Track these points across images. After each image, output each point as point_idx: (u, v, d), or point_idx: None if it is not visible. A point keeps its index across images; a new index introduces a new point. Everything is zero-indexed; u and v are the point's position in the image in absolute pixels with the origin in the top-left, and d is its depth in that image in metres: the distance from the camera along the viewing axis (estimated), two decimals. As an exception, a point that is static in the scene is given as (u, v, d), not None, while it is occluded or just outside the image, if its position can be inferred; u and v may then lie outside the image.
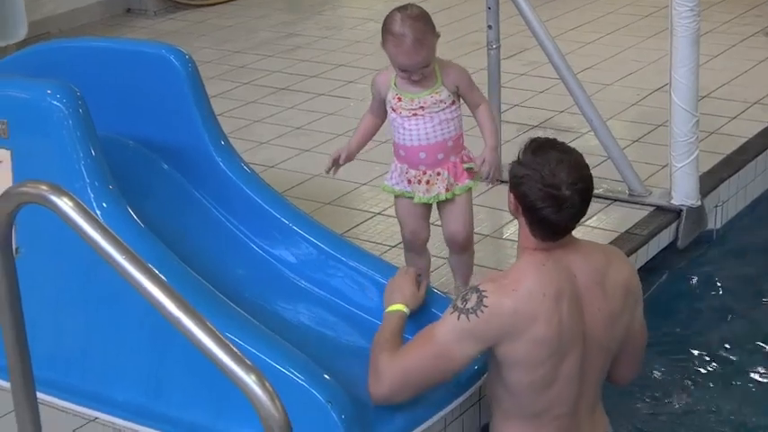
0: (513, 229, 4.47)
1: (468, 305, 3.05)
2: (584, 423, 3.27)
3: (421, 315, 3.44)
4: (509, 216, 3.87)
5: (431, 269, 4.01)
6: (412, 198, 3.71)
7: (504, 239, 4.44)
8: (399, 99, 3.67)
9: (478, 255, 4.16)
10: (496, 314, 3.02)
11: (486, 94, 4.75)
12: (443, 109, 3.67)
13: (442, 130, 3.66)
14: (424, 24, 3.58)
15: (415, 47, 3.53)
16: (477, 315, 3.02)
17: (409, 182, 3.69)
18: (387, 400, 3.21)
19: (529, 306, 3.04)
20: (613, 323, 3.23)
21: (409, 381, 3.16)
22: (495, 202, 4.66)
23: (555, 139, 3.29)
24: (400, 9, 3.66)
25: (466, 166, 3.70)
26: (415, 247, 3.84)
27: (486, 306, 3.02)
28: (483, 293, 3.05)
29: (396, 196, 3.79)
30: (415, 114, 3.65)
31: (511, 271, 3.20)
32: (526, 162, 3.12)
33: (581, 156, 3.19)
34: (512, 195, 3.16)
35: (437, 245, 4.03)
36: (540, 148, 3.15)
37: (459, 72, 3.74)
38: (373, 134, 3.90)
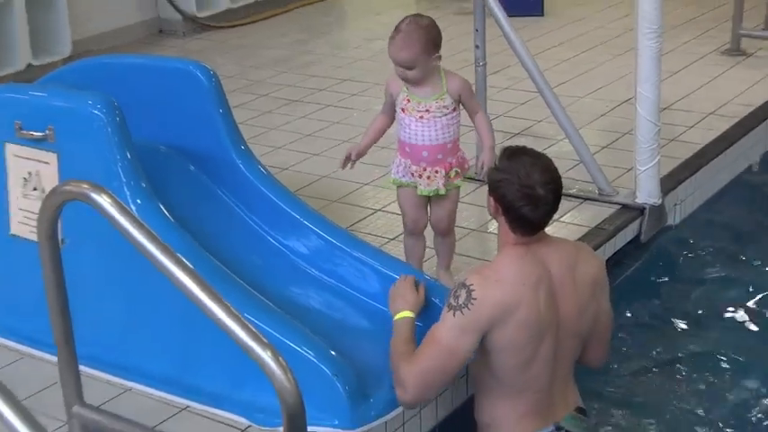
0: (495, 224, 4.51)
1: (460, 300, 3.06)
2: (557, 397, 3.30)
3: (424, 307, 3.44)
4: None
5: (425, 258, 4.04)
6: (415, 188, 3.78)
7: (489, 233, 4.43)
8: (408, 101, 3.77)
9: (466, 246, 4.26)
10: (485, 304, 3.05)
11: (475, 105, 5.00)
12: (446, 114, 3.76)
13: (443, 133, 3.76)
14: (419, 30, 3.69)
15: (402, 43, 3.67)
16: (468, 308, 3.05)
17: (412, 175, 3.78)
18: (414, 403, 3.23)
19: (512, 294, 3.08)
20: (583, 311, 3.28)
21: (428, 382, 3.14)
22: (482, 200, 4.66)
23: (525, 147, 3.32)
24: (416, 15, 3.85)
25: (454, 171, 3.79)
26: (415, 232, 3.94)
27: (474, 299, 3.04)
28: (470, 288, 3.07)
29: (399, 187, 3.85)
30: (421, 117, 3.74)
31: (493, 263, 3.24)
32: (503, 168, 3.17)
33: (550, 159, 3.23)
34: (492, 198, 3.19)
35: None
36: (514, 155, 3.20)
37: (462, 83, 3.85)
38: (383, 132, 4.00)
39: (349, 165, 4.03)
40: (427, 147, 3.76)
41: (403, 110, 3.80)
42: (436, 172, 3.77)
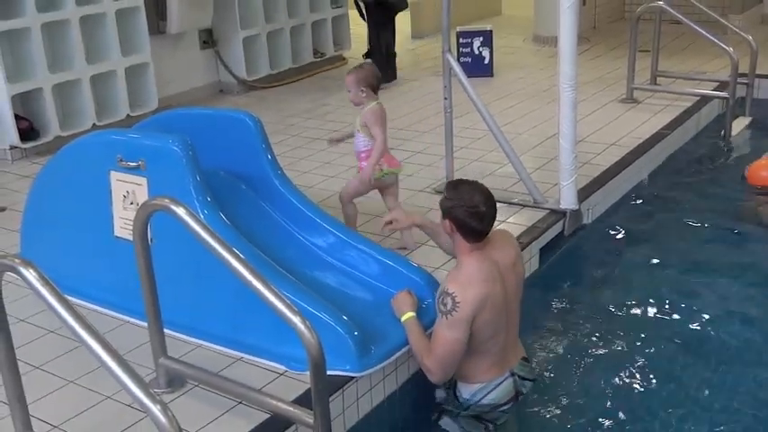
0: None
1: (448, 307, 3.03)
2: (510, 352, 3.30)
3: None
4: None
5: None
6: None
7: None
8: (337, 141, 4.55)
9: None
10: (467, 303, 3.02)
11: (443, 142, 4.95)
12: (358, 131, 4.10)
13: (357, 144, 4.13)
14: (354, 71, 4.09)
15: (347, 77, 4.11)
16: (456, 310, 3.02)
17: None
18: (443, 380, 3.21)
19: (483, 290, 3.05)
20: (520, 284, 3.29)
21: (445, 365, 3.11)
22: None
23: (461, 178, 3.29)
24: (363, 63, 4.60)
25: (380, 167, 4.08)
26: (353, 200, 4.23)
27: (458, 302, 3.01)
28: (453, 295, 3.02)
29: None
30: (357, 131, 4.13)
31: (462, 270, 3.12)
32: (451, 196, 3.12)
33: (482, 184, 3.18)
34: (447, 221, 3.12)
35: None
36: (457, 186, 3.18)
37: (368, 113, 4.08)
38: None
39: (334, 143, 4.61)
40: (355, 151, 4.18)
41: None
42: (359, 170, 4.14)
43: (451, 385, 3.35)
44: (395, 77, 7.80)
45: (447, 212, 3.13)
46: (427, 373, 3.16)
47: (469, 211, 3.07)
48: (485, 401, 3.26)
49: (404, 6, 7.81)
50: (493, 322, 3.12)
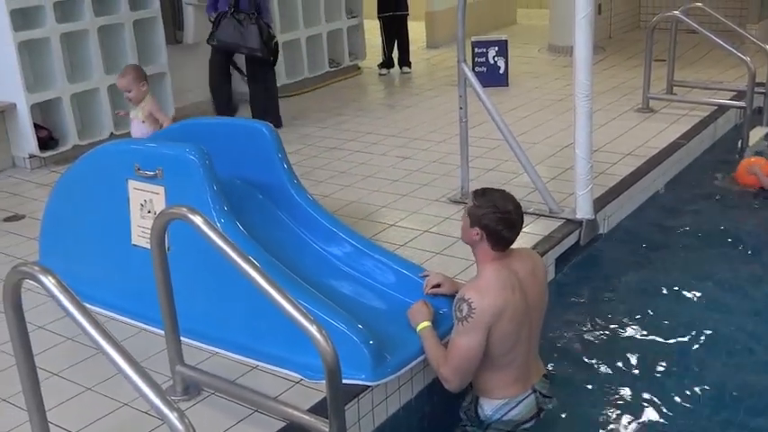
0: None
1: (464, 313, 2.98)
2: (532, 367, 3.26)
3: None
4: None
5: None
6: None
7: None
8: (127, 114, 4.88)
9: (455, 250, 4.22)
10: (483, 311, 2.97)
11: (458, 152, 4.95)
12: (143, 122, 4.68)
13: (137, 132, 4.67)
14: (126, 74, 4.68)
15: (122, 81, 4.69)
16: (472, 317, 2.97)
17: None
18: (459, 388, 3.13)
19: (499, 298, 3.00)
20: (543, 299, 3.23)
21: (461, 373, 3.06)
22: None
23: (487, 187, 3.22)
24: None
25: None
26: None
27: (474, 309, 2.97)
28: (470, 301, 2.97)
29: None
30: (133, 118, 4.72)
31: (481, 278, 3.08)
32: (481, 203, 3.07)
33: (509, 192, 3.16)
34: (475, 229, 3.06)
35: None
36: (485, 193, 3.13)
37: (151, 103, 4.72)
38: None
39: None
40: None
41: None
42: None
43: (472, 403, 3.28)
44: (279, 125, 6.70)
45: (478, 220, 3.07)
46: (444, 382, 3.12)
47: (501, 218, 3.04)
48: (507, 418, 3.20)
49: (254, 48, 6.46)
50: (513, 333, 3.06)
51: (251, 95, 6.74)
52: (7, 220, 5.11)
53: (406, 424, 3.34)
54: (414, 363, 3.26)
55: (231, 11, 6.32)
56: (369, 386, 3.13)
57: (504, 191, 3.18)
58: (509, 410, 3.19)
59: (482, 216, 3.06)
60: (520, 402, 3.20)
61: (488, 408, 3.22)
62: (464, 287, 3.11)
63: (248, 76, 6.71)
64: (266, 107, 6.67)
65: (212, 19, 6.47)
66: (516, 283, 3.09)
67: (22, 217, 5.14)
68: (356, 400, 3.09)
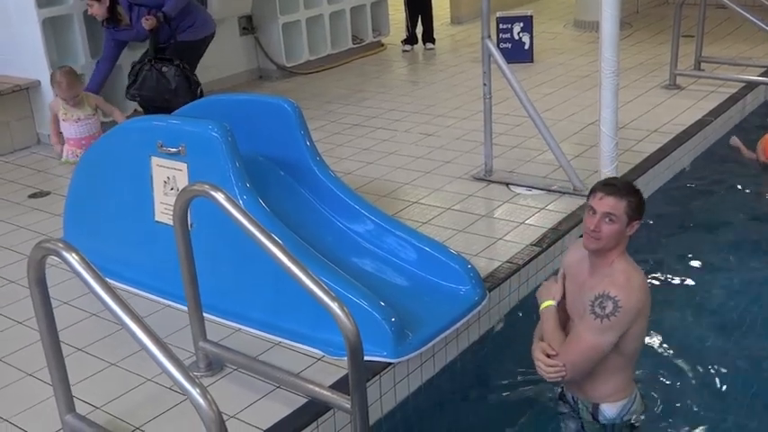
0: (500, 209, 4.54)
1: (607, 311, 2.79)
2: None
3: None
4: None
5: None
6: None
7: (495, 218, 4.42)
8: (65, 114, 5.32)
9: (477, 227, 4.22)
10: (629, 311, 2.80)
11: (482, 129, 4.94)
12: (93, 116, 5.37)
13: (90, 129, 5.36)
14: (60, 81, 5.28)
15: (62, 87, 5.31)
16: (615, 315, 2.78)
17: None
18: (565, 380, 2.98)
19: (642, 296, 2.86)
20: None
21: (577, 369, 2.89)
22: (487, 193, 4.71)
23: (609, 179, 3.10)
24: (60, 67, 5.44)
25: None
26: None
27: (620, 307, 2.78)
28: (616, 299, 2.78)
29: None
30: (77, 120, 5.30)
31: (624, 274, 2.85)
32: (641, 194, 2.93)
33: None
34: (636, 222, 2.88)
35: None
36: (626, 184, 2.97)
37: (95, 97, 5.46)
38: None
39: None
40: (85, 136, 5.39)
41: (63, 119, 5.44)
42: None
43: (590, 412, 3.09)
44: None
45: (640, 211, 2.90)
46: (549, 368, 2.93)
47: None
48: (628, 416, 3.07)
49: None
50: (642, 332, 2.95)
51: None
52: (32, 196, 5.15)
53: (427, 401, 3.34)
54: (435, 340, 3.25)
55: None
56: (390, 363, 3.13)
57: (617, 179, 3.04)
58: (630, 407, 3.07)
59: (643, 205, 2.92)
60: (636, 397, 3.10)
61: (611, 411, 3.06)
62: (606, 283, 2.85)
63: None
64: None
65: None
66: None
67: (47, 193, 5.18)
68: (378, 377, 3.10)
